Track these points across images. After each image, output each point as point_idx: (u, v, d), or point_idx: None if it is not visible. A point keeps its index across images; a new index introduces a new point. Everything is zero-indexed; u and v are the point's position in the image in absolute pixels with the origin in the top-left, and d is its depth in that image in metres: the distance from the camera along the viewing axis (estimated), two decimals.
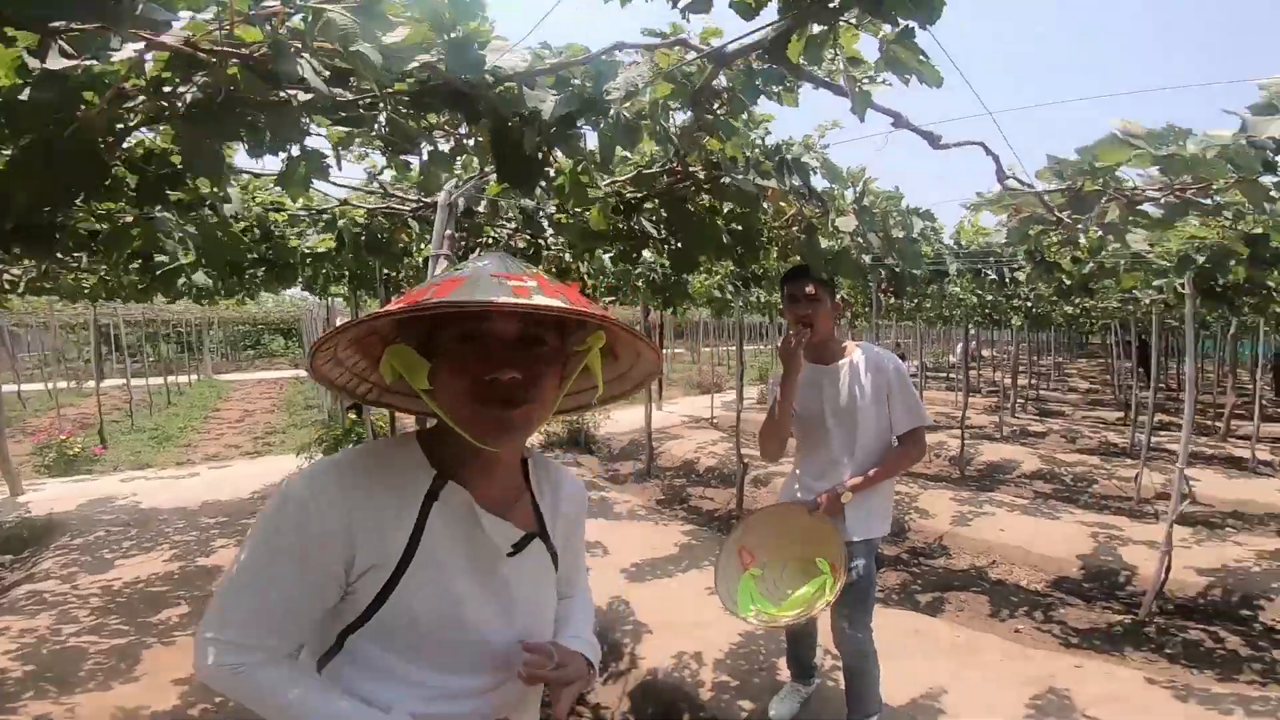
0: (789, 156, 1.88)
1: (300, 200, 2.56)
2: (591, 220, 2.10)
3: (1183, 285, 3.49)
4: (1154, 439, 7.08)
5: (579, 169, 1.78)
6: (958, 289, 5.61)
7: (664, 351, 13.18)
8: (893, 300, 6.49)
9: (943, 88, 1.18)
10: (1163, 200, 1.52)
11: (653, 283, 4.56)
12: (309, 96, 1.05)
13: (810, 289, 2.34)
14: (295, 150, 1.27)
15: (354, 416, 7.13)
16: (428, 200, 2.31)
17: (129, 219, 1.78)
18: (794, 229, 2.25)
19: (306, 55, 0.94)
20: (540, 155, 1.39)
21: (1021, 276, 3.59)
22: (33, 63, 0.81)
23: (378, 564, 0.90)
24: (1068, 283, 3.90)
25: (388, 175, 2.34)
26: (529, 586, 1.03)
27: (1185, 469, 4.06)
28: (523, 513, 1.04)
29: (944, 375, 21.24)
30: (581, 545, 1.21)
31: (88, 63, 0.85)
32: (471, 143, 1.57)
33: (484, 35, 1.18)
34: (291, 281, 3.70)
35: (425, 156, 1.47)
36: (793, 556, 2.40)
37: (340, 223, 2.53)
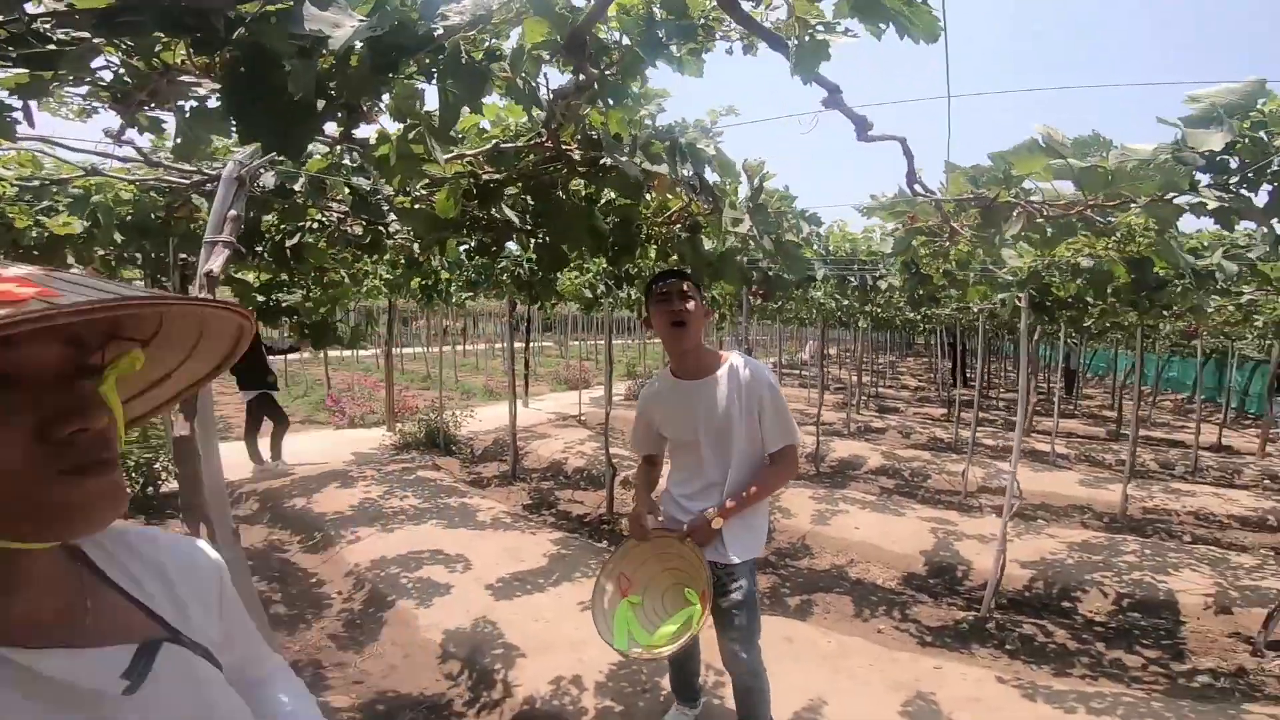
0: (683, 140, 1.61)
1: (16, 167, 1.88)
2: (439, 205, 1.69)
3: (1019, 299, 3.75)
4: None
5: (410, 135, 1.33)
6: (820, 294, 5.78)
7: (530, 345, 12.65)
8: (760, 303, 6.61)
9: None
10: (1050, 215, 1.47)
11: (518, 278, 4.18)
12: None
13: (685, 287, 2.15)
14: None
15: None
16: (211, 174, 1.75)
17: None
18: (676, 226, 2.02)
19: None
20: (320, 103, 0.96)
21: (884, 285, 3.67)
22: None
23: None
24: (920, 292, 4.07)
25: (144, 140, 1.76)
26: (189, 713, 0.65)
27: (1010, 468, 4.39)
28: (117, 623, 0.66)
29: (796, 373, 22.57)
30: (244, 612, 0.84)
31: None
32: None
33: None
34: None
35: (188, 113, 1.02)
36: (671, 583, 2.37)
37: (94, 199, 1.88)
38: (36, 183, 1.87)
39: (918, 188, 1.49)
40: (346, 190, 1.81)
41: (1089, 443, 10.96)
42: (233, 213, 1.19)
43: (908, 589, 4.99)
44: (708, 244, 2.07)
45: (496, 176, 1.69)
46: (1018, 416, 4.39)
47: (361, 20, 0.87)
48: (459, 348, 22.86)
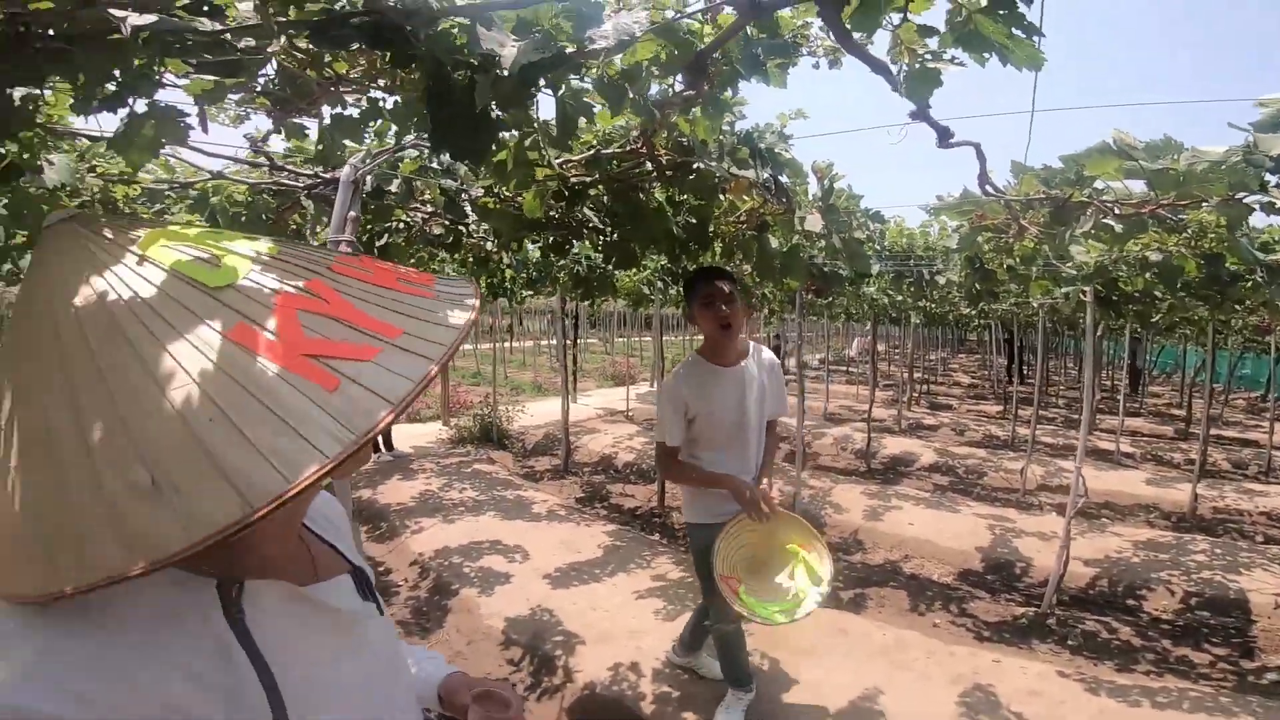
0: (761, 145, 1.70)
1: (155, 173, 2.09)
2: (526, 206, 1.82)
3: (1084, 293, 3.68)
4: (1027, 431, 7.64)
5: (527, 143, 1.48)
6: (874, 289, 5.75)
7: (578, 342, 12.86)
8: (813, 299, 6.61)
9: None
10: (1123, 213, 1.49)
11: (576, 275, 4.30)
12: (145, 20, 0.73)
13: (729, 290, 2.27)
14: (141, 105, 0.93)
15: None
16: (327, 176, 1.92)
17: None
18: (745, 226, 2.10)
19: None
20: (496, 117, 1.09)
21: (941, 280, 3.66)
22: None
23: None
24: (979, 287, 4.03)
25: (277, 144, 1.93)
26: (380, 626, 0.81)
27: (1073, 465, 4.31)
28: (324, 561, 0.79)
29: (843, 369, 22.23)
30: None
31: None
32: (389, 104, 1.25)
33: None
34: None
35: (327, 120, 1.16)
36: (744, 556, 2.48)
37: (213, 200, 2.07)
38: (165, 186, 2.08)
39: (989, 188, 1.55)
40: (438, 191, 1.96)
41: (1156, 441, 10.53)
42: (352, 214, 1.32)
43: (964, 585, 4.93)
44: (774, 242, 2.16)
45: (585, 179, 1.82)
46: (1083, 412, 4.31)
47: (518, 41, 0.99)
48: (507, 344, 23.30)
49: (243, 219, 2.03)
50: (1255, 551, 5.29)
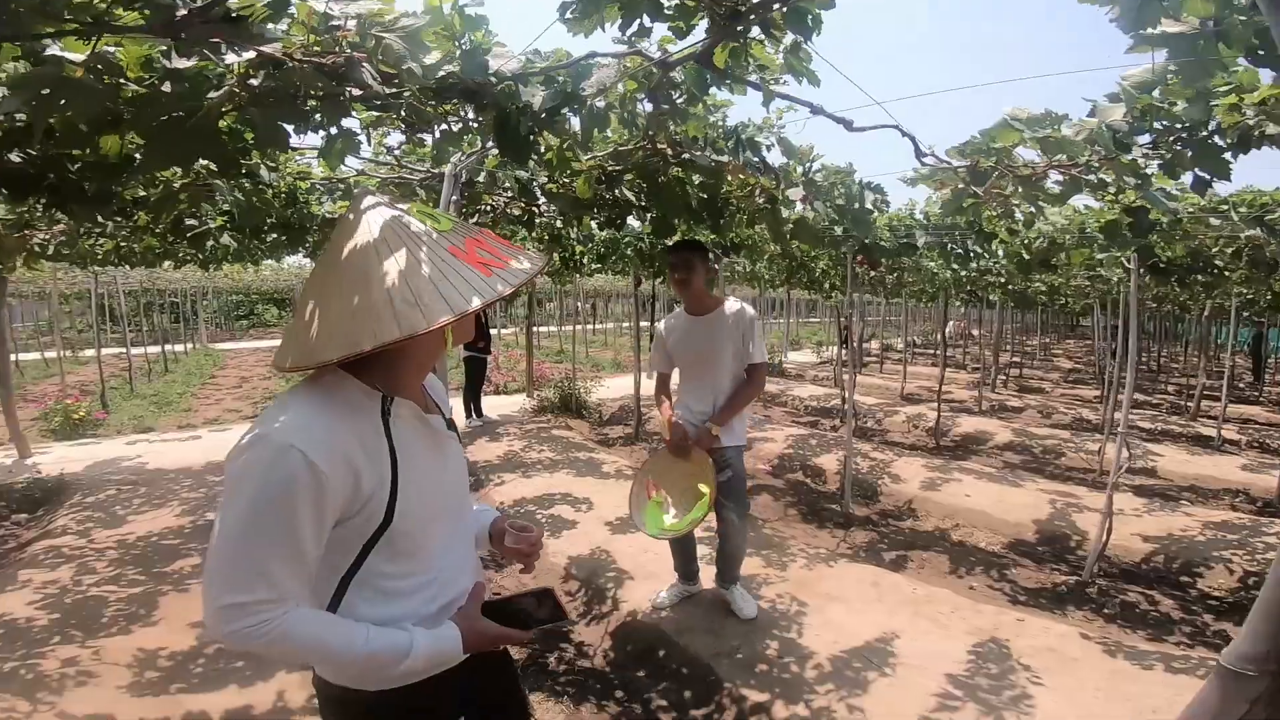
0: (744, 136, 2.16)
1: (324, 172, 2.84)
2: (579, 189, 2.39)
3: (1128, 260, 3.75)
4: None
5: (564, 146, 2.07)
6: (931, 264, 5.88)
7: (654, 322, 13.38)
8: (869, 273, 6.76)
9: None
10: (1059, 177, 1.79)
11: (640, 251, 4.79)
12: (359, 92, 1.33)
13: (677, 260, 2.95)
14: (334, 130, 1.54)
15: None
16: (435, 171, 2.59)
17: (177, 185, 2.03)
18: (758, 198, 2.52)
19: (368, 65, 1.23)
20: (531, 136, 1.70)
21: (980, 249, 3.85)
22: (161, 61, 1.08)
23: (378, 486, 1.06)
24: (1026, 256, 4.16)
25: (396, 148, 2.62)
26: (457, 458, 1.30)
27: (1128, 437, 4.30)
28: (430, 404, 1.28)
29: (932, 352, 21.57)
30: None
31: (202, 63, 1.12)
32: (476, 124, 1.85)
33: (488, 45, 1.54)
34: (301, 244, 3.93)
35: (438, 135, 1.76)
36: (685, 484, 3.08)
37: (355, 190, 2.83)
38: (328, 183, 2.83)
39: (929, 159, 1.90)
40: (515, 181, 2.53)
41: (1267, 429, 9.83)
42: (455, 198, 1.89)
43: (1011, 553, 4.92)
44: (785, 212, 2.58)
45: (617, 168, 2.36)
46: (1127, 385, 4.31)
47: (544, 91, 1.53)
48: (589, 327, 24.17)
49: None
50: None
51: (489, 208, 3.11)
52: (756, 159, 2.19)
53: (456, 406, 8.95)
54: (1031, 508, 5.65)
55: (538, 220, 3.34)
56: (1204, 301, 9.13)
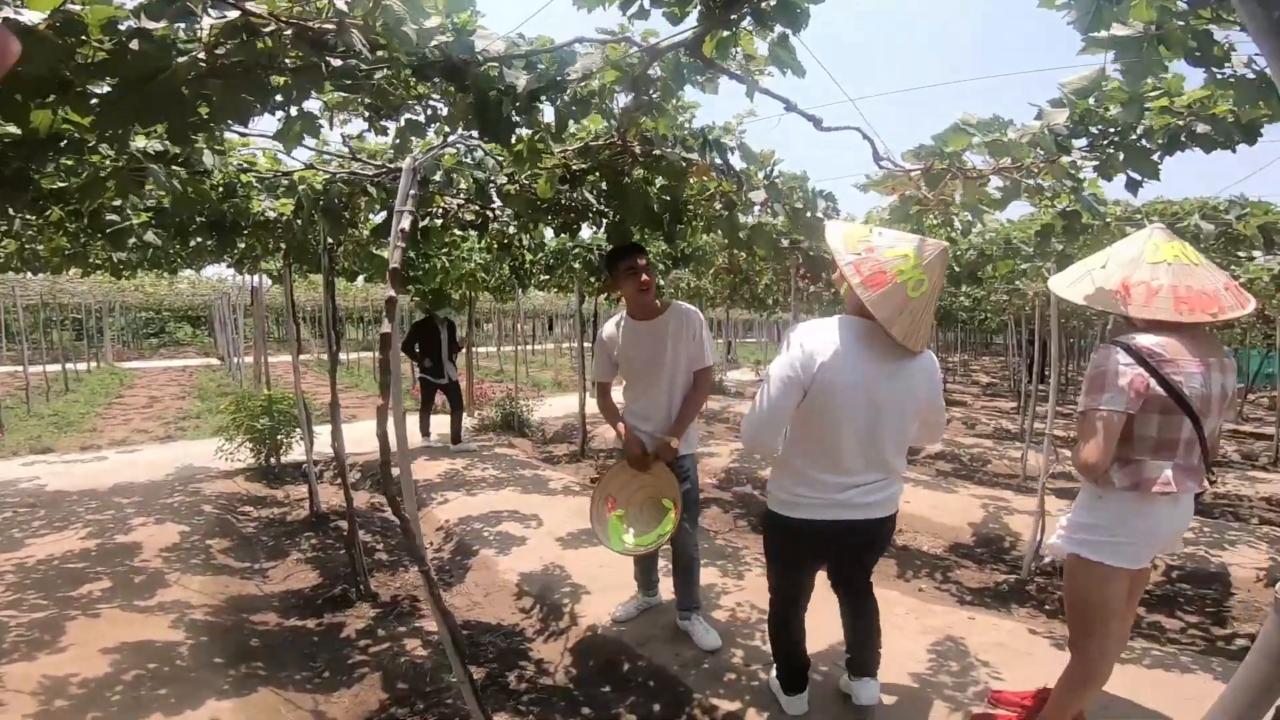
0: (710, 137, 2.21)
1: (268, 165, 2.67)
2: (539, 189, 2.35)
3: (1049, 270, 4.00)
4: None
5: (535, 137, 2.04)
6: None
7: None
8: (809, 287, 6.99)
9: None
10: (1000, 182, 1.91)
11: (589, 264, 4.77)
12: (338, 63, 1.26)
13: (644, 261, 2.89)
14: (294, 111, 1.46)
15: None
16: (390, 167, 2.48)
17: (107, 168, 1.87)
18: (716, 204, 2.56)
19: (357, 31, 1.17)
20: (511, 117, 1.66)
21: None
22: (128, 21, 0.99)
23: None
24: (956, 269, 4.39)
25: (347, 142, 2.50)
26: None
27: (1052, 443, 4.59)
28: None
29: None
30: None
31: (175, 25, 1.04)
32: (445, 111, 1.80)
33: (474, 26, 1.51)
34: (229, 248, 3.71)
35: (402, 122, 1.70)
36: (645, 498, 3.06)
37: (300, 188, 2.65)
38: (271, 174, 2.67)
39: (885, 163, 1.99)
40: (473, 181, 2.47)
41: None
42: (413, 191, 1.82)
43: (952, 556, 5.08)
44: (742, 219, 2.63)
45: (582, 166, 2.34)
46: (1050, 391, 4.60)
47: (527, 75, 1.51)
48: (530, 347, 23.92)
49: (320, 202, 2.60)
50: (1245, 531, 5.34)
51: (440, 210, 3.02)
52: (721, 161, 2.23)
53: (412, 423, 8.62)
54: (966, 512, 5.89)
55: (490, 226, 3.27)
56: (1107, 316, 9.85)
